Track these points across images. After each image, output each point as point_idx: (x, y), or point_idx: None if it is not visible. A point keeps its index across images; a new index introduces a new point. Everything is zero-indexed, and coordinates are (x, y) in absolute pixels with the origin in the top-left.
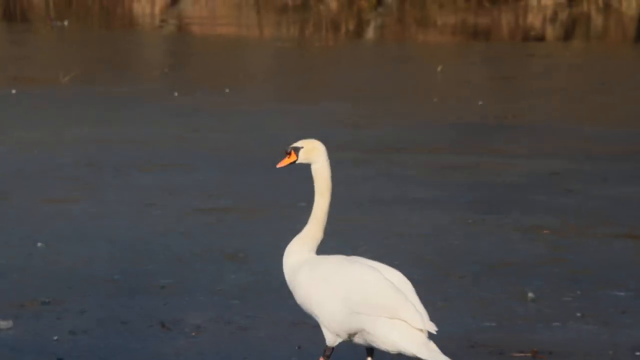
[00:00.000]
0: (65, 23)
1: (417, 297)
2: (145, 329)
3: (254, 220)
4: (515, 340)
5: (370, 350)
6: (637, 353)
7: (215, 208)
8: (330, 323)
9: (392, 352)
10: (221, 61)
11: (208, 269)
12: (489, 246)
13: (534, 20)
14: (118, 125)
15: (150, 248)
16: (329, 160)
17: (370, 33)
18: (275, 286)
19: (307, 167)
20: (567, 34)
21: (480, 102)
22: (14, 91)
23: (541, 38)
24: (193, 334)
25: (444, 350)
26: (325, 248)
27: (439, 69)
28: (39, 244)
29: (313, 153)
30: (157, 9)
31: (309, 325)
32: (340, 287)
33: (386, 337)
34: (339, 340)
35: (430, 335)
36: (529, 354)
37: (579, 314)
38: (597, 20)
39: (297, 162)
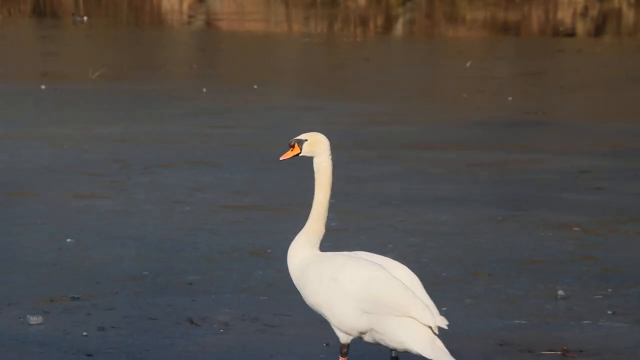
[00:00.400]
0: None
1: (425, 292)
2: (173, 326)
3: (281, 218)
4: (545, 338)
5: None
6: None
7: (242, 205)
8: (340, 323)
9: (400, 351)
10: (249, 57)
11: (235, 266)
12: (518, 244)
13: (564, 15)
14: (146, 122)
15: (178, 245)
16: (331, 155)
17: (398, 29)
18: None
19: (334, 164)
20: (598, 30)
21: (509, 98)
22: (43, 87)
23: (571, 33)
24: (220, 330)
25: (473, 349)
26: (351, 245)
27: (468, 64)
28: (69, 240)
29: (317, 146)
30: (185, 5)
31: None
32: (349, 287)
33: (393, 336)
34: (351, 337)
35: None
36: (559, 352)
37: (609, 312)
38: (628, 15)
39: (300, 154)
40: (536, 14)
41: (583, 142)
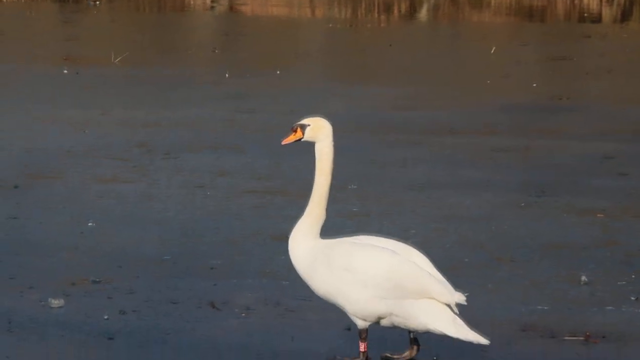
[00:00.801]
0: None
1: (436, 270)
2: (194, 310)
3: (303, 202)
4: (567, 323)
5: (415, 339)
6: None
7: (264, 190)
8: (357, 311)
9: (421, 332)
10: (272, 42)
11: (257, 251)
12: (542, 229)
13: (590, 1)
14: (169, 106)
15: (200, 229)
16: (333, 141)
17: (423, 14)
18: None
19: (358, 149)
20: (624, 15)
21: (534, 84)
22: (65, 71)
23: (597, 19)
24: (242, 314)
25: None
26: (374, 230)
27: (492, 50)
28: (90, 223)
29: (319, 131)
30: None
31: None
32: (365, 276)
33: (415, 319)
34: (369, 323)
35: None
36: (581, 338)
37: (633, 298)
38: None
39: (302, 139)
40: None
41: (607, 128)
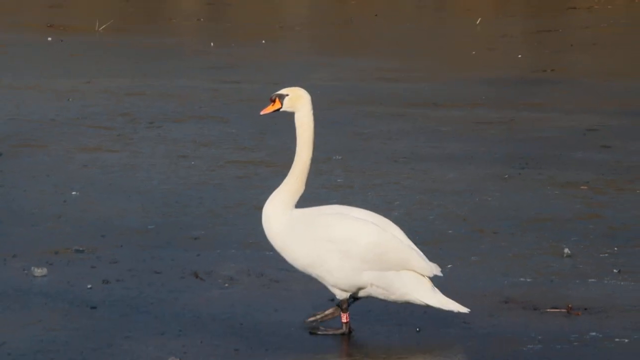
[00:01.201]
0: None
1: (412, 243)
2: (177, 280)
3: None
4: (549, 296)
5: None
6: None
7: (248, 161)
8: (339, 282)
9: (400, 303)
10: (258, 12)
11: (241, 221)
12: (525, 202)
13: None
14: (153, 76)
15: (183, 199)
16: (312, 110)
17: None
18: None
19: (342, 121)
20: None
21: (519, 56)
22: (49, 39)
23: None
24: (226, 285)
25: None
26: (359, 201)
27: (477, 21)
28: (74, 193)
29: (298, 101)
30: None
31: None
32: (348, 247)
33: (396, 289)
34: (349, 293)
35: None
36: (563, 310)
37: (615, 270)
38: None
39: (281, 109)
40: None
41: (592, 101)
